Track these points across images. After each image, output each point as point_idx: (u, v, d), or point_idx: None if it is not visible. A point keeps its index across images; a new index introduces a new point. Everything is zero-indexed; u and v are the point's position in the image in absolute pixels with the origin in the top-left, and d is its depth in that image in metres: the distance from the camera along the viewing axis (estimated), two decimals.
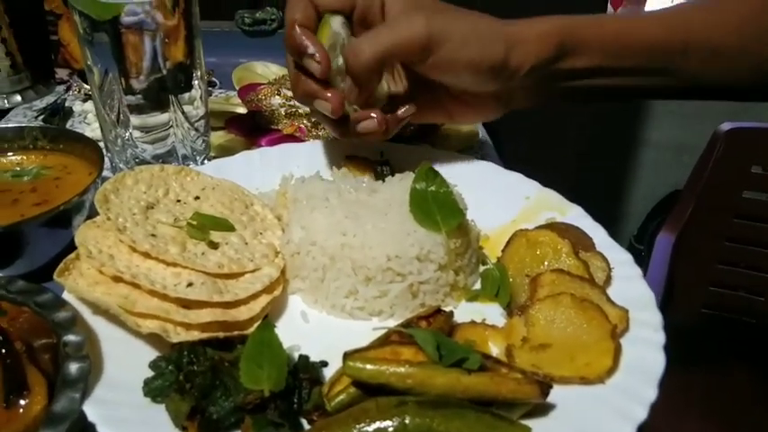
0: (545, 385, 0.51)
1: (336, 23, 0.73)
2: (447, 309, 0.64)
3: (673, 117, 2.67)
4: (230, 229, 0.68)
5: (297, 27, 0.71)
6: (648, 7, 2.41)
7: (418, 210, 0.68)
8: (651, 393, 0.53)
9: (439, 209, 0.68)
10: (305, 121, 1.03)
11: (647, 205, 2.68)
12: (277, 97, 1.11)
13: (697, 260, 1.64)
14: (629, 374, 0.55)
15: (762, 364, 1.39)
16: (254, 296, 0.62)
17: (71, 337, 0.54)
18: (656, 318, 0.61)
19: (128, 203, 0.67)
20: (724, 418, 1.29)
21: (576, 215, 0.77)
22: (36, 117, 1.08)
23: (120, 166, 0.88)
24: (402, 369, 0.50)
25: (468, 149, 1.02)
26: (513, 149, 1.03)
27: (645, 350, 0.58)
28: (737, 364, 1.41)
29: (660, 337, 0.59)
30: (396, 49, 0.70)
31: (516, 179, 0.83)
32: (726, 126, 1.60)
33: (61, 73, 1.21)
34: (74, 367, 0.51)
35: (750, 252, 1.63)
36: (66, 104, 1.11)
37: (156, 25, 0.81)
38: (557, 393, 0.53)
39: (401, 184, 0.72)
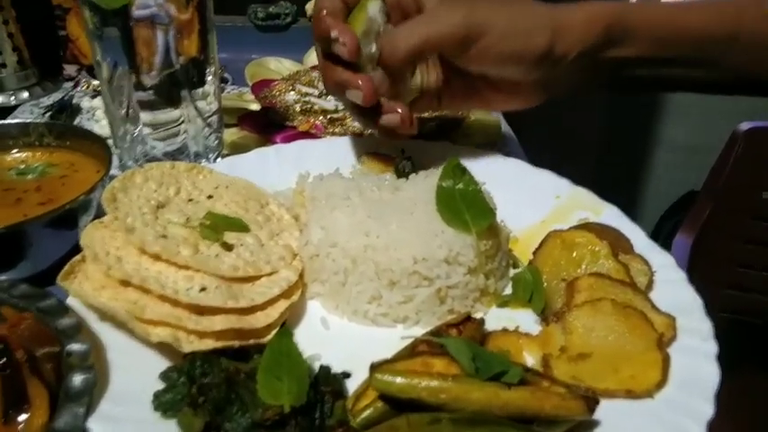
0: (591, 400, 0.47)
1: (374, 8, 0.70)
2: (477, 315, 0.60)
3: (687, 117, 2.62)
4: (245, 229, 0.64)
5: (324, 12, 0.68)
6: None
7: (446, 209, 0.63)
8: (707, 409, 0.48)
9: (468, 208, 0.63)
10: (321, 118, 0.99)
11: (661, 206, 2.63)
12: (291, 93, 1.06)
13: (715, 262, 1.60)
14: (680, 388, 0.51)
15: None
16: (272, 301, 0.58)
17: (75, 346, 0.50)
18: (705, 325, 0.57)
19: (137, 202, 0.63)
20: (743, 421, 1.25)
21: (611, 215, 0.72)
22: (43, 114, 1.05)
23: (129, 163, 0.84)
24: (435, 383, 0.45)
25: (491, 145, 0.97)
26: (525, 150, 0.98)
27: (696, 361, 0.53)
28: (756, 368, 1.37)
29: (711, 347, 0.54)
30: (433, 43, 0.68)
31: (546, 177, 0.79)
32: (745, 126, 1.57)
33: (69, 69, 1.17)
34: (78, 379, 0.47)
35: None
36: (74, 101, 1.07)
37: (168, 19, 0.77)
38: (601, 408, 0.49)
39: (426, 182, 0.68)
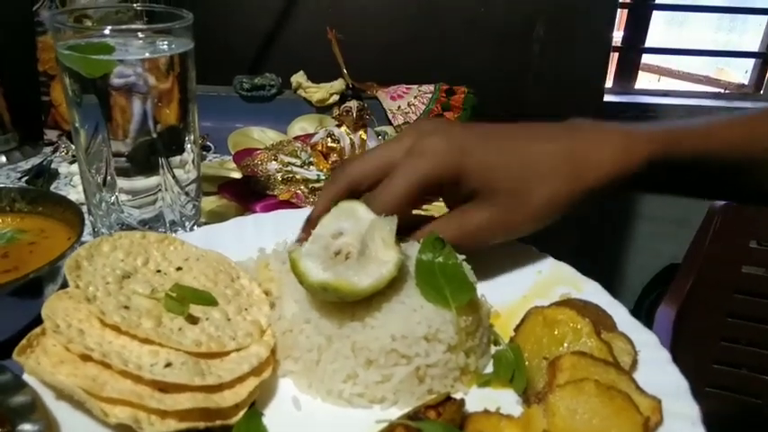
0: None
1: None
2: (457, 395, 0.57)
3: None
4: (212, 303, 0.62)
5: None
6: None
7: (425, 283, 0.62)
8: None
9: (448, 282, 0.62)
10: (302, 187, 0.99)
11: (643, 278, 2.63)
12: (274, 162, 1.07)
13: (699, 336, 1.59)
14: None
15: None
16: (241, 379, 0.55)
17: (27, 427, 0.47)
18: (692, 409, 0.54)
19: (101, 271, 0.61)
20: None
21: (592, 291, 0.71)
22: (20, 178, 1.04)
23: (103, 231, 0.82)
24: None
25: None
26: None
27: None
28: None
29: None
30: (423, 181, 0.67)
31: (526, 251, 0.78)
32: (721, 201, 1.59)
33: (50, 134, 1.17)
34: None
35: (752, 328, 1.59)
36: (53, 166, 1.06)
37: (147, 87, 0.77)
38: None
39: (407, 255, 0.66)
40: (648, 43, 2.48)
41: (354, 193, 0.69)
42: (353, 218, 0.64)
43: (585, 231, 2.43)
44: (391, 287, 0.61)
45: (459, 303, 0.60)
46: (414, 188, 0.67)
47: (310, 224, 0.68)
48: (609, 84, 2.53)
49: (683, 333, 1.54)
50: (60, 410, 0.51)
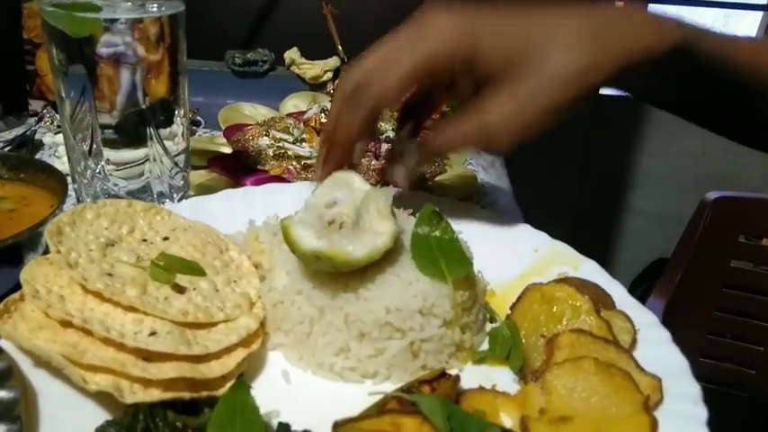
0: None
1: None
2: (452, 372, 0.56)
3: (658, 187, 2.67)
4: (200, 273, 0.60)
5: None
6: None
7: (421, 257, 0.60)
8: None
9: (444, 256, 0.60)
10: (294, 163, 0.96)
11: (631, 274, 2.64)
12: (265, 138, 1.04)
13: (686, 330, 1.59)
14: None
15: None
16: (228, 350, 0.53)
17: (2, 393, 0.44)
18: (693, 388, 0.53)
19: (84, 238, 0.58)
20: None
21: (590, 270, 0.69)
22: (2, 148, 1.00)
23: (88, 200, 0.79)
24: None
25: (467, 199, 0.95)
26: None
27: (685, 426, 0.49)
28: None
29: (702, 412, 0.51)
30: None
31: (524, 230, 0.76)
32: (712, 195, 1.59)
33: (35, 105, 1.13)
34: (1, 430, 0.42)
35: (740, 322, 1.59)
36: (37, 137, 1.03)
37: (136, 58, 0.75)
38: None
39: (402, 228, 0.64)
40: None
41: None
42: (348, 188, 0.62)
43: (575, 225, 2.44)
44: (386, 259, 0.59)
45: (455, 277, 0.59)
46: (420, 67, 0.61)
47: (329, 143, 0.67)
48: None
49: (670, 326, 1.54)
50: (38, 378, 0.49)
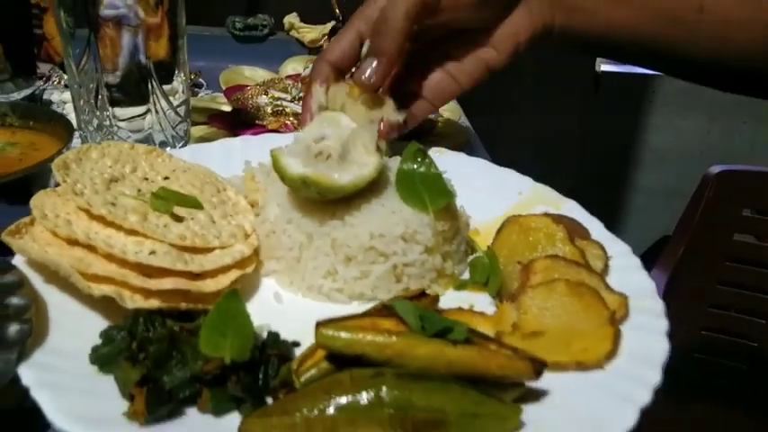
0: (538, 363, 0.46)
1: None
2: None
3: (663, 162, 2.67)
4: (198, 206, 0.63)
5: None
6: None
7: (404, 189, 0.63)
8: (655, 377, 0.48)
9: (427, 189, 0.63)
10: (291, 119, 0.99)
11: (636, 252, 2.64)
12: (264, 97, 1.07)
13: (688, 303, 1.60)
14: (630, 359, 0.51)
15: (754, 409, 1.34)
16: (224, 270, 0.57)
17: (14, 300, 0.49)
18: (658, 305, 0.57)
19: (89, 173, 0.62)
20: None
21: (571, 208, 0.73)
22: None
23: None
24: (380, 338, 0.45)
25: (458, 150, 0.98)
26: None
27: (647, 336, 0.53)
28: (729, 408, 1.36)
29: (663, 324, 0.54)
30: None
31: (508, 175, 0.79)
32: (716, 169, 1.59)
33: (43, 68, 1.17)
34: (13, 329, 0.46)
35: (741, 296, 1.59)
36: (45, 97, 1.07)
37: (137, 21, 0.79)
38: (552, 380, 0.48)
39: (387, 166, 0.68)
40: None
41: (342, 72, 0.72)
42: (336, 126, 0.66)
43: (578, 203, 2.45)
44: (371, 191, 0.63)
45: (436, 207, 0.62)
46: (415, 8, 0.67)
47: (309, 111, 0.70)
48: None
49: (673, 299, 1.55)
50: (48, 292, 0.53)
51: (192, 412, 0.46)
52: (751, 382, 1.53)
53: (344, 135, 0.64)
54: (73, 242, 0.53)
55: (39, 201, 0.57)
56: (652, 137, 2.65)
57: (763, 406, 1.35)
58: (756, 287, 1.58)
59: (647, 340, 0.52)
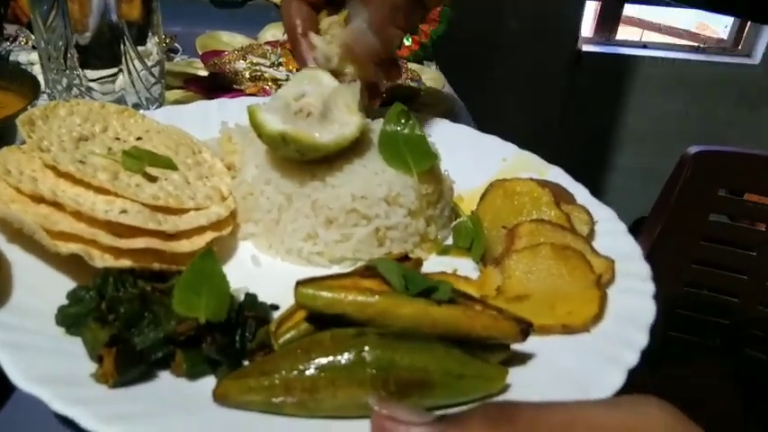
0: (524, 323, 0.45)
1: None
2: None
3: (640, 143, 2.69)
4: (171, 166, 0.60)
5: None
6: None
7: (387, 150, 0.61)
8: (641, 338, 0.47)
9: (410, 151, 0.61)
10: (270, 84, 0.97)
11: None
12: (242, 62, 1.04)
13: (663, 282, 1.61)
14: (616, 322, 0.50)
15: (728, 385, 1.36)
16: (199, 231, 0.54)
17: None
18: (644, 269, 0.56)
19: (57, 131, 0.59)
20: None
21: (556, 174, 0.71)
22: None
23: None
24: (362, 297, 0.43)
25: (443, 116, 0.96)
26: None
27: (633, 299, 0.52)
28: (704, 378, 1.38)
29: (649, 287, 0.53)
30: None
31: (493, 141, 0.78)
32: (693, 149, 1.60)
33: (10, 29, 1.12)
34: None
35: (716, 275, 1.62)
36: (11, 57, 1.02)
37: None
38: (537, 343, 0.47)
39: (371, 128, 0.66)
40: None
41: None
42: (317, 83, 0.63)
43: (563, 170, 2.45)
44: (353, 151, 0.60)
45: (420, 169, 0.60)
46: None
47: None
48: (589, 34, 2.52)
49: None
50: (12, 252, 0.50)
51: (164, 375, 0.44)
52: (721, 360, 1.56)
53: (326, 93, 0.62)
54: (38, 199, 0.51)
55: (2, 157, 0.54)
56: (631, 118, 2.66)
57: (735, 379, 1.38)
58: (729, 266, 1.61)
59: (633, 303, 0.51)
